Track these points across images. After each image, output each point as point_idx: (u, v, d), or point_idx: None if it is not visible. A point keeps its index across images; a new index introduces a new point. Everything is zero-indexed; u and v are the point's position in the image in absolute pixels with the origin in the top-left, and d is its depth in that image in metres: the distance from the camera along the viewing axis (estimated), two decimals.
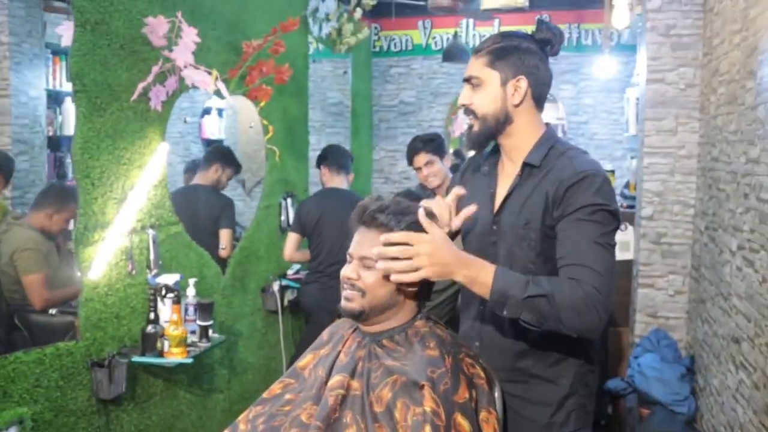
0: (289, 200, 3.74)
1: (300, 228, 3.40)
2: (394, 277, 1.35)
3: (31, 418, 1.89)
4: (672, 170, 3.56)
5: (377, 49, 5.93)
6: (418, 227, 1.39)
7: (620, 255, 3.88)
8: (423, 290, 1.48)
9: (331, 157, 3.56)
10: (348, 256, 1.47)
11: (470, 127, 1.61)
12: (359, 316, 1.44)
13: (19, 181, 3.20)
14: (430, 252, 1.34)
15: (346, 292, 1.45)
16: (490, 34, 1.64)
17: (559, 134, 5.52)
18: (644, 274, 3.64)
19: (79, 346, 2.10)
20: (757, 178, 2.38)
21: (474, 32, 5.73)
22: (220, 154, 3.69)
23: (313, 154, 3.96)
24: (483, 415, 1.38)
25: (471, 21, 5.71)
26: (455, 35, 5.27)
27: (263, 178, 3.61)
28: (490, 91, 1.56)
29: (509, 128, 1.58)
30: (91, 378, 2.13)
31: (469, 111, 1.60)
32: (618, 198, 4.40)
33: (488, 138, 1.60)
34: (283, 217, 3.70)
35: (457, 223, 1.55)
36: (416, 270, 1.34)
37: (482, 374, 1.44)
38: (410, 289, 1.45)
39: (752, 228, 2.42)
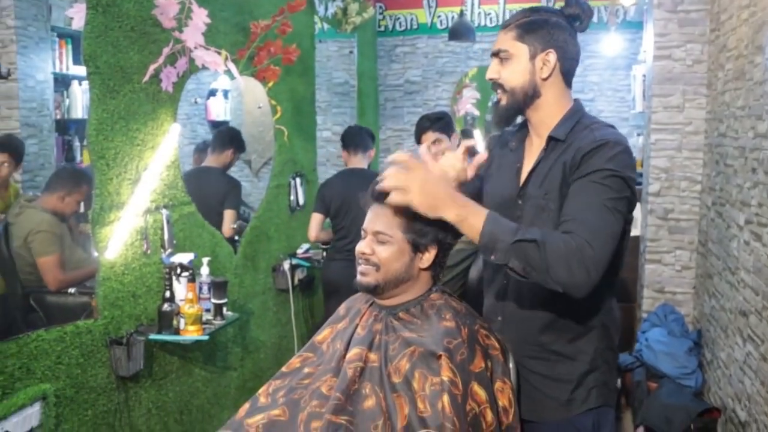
0: (298, 180, 3.76)
1: (324, 208, 3.48)
2: (388, 199, 1.38)
3: (53, 394, 1.94)
4: (679, 146, 3.57)
5: (382, 28, 5.90)
6: None
7: None
8: (436, 263, 1.50)
9: (347, 139, 3.62)
10: (363, 232, 1.50)
11: (497, 101, 1.61)
12: (374, 290, 1.48)
13: (28, 165, 3.23)
14: (423, 180, 1.36)
15: (361, 267, 1.48)
16: (520, 9, 1.63)
17: None
18: (651, 249, 3.67)
19: (97, 324, 2.14)
20: (765, 153, 2.40)
21: (479, 10, 5.70)
22: (234, 138, 3.70)
23: (320, 134, 3.98)
24: (498, 384, 1.42)
25: None
26: (461, 13, 5.25)
27: (272, 159, 3.63)
28: (518, 64, 1.55)
29: (537, 102, 1.58)
30: (110, 355, 2.17)
31: (497, 85, 1.59)
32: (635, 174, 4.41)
33: (516, 112, 1.60)
34: (292, 197, 3.72)
35: (471, 172, 1.56)
36: (405, 194, 1.35)
37: (497, 345, 1.47)
38: (423, 260, 1.47)
39: (760, 202, 2.44)
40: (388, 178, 1.37)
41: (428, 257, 1.48)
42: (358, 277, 1.49)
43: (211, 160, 3.58)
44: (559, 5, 1.69)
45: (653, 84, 3.61)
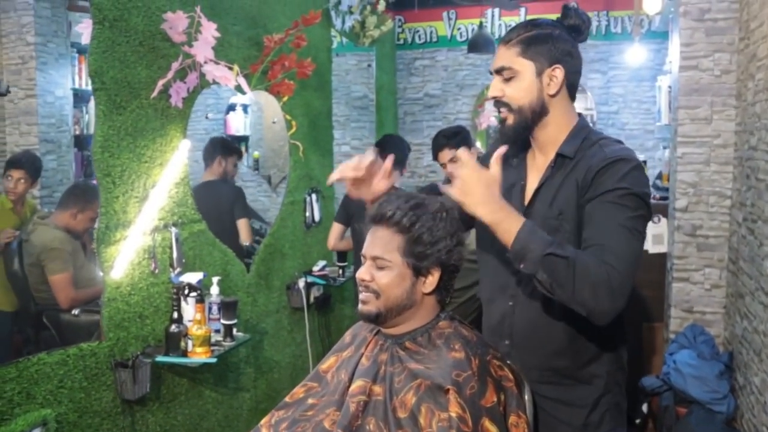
0: (313, 196, 3.70)
1: (345, 218, 3.42)
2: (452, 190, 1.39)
3: (55, 419, 1.88)
4: (707, 160, 3.45)
5: (401, 41, 5.85)
6: (428, 220, 1.38)
7: (654, 248, 3.78)
8: (440, 286, 1.42)
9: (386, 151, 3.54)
10: (362, 258, 1.42)
11: (503, 120, 1.55)
12: (377, 319, 1.40)
13: (46, 181, 3.21)
14: (466, 178, 1.36)
15: (361, 295, 1.41)
16: (517, 23, 1.57)
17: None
18: (679, 267, 3.54)
19: (102, 346, 2.09)
20: None
21: (500, 22, 5.63)
22: (216, 145, 3.73)
23: (338, 149, 3.92)
24: (512, 419, 1.33)
25: (496, 11, 5.60)
26: (480, 26, 5.18)
27: (287, 174, 3.58)
28: (524, 81, 1.50)
29: (545, 120, 1.52)
30: (115, 378, 2.11)
31: (501, 103, 1.53)
32: (650, 189, 4.29)
33: (524, 130, 1.54)
34: (308, 213, 3.66)
35: (495, 168, 1.47)
36: (467, 194, 1.36)
37: (511, 376, 1.38)
38: (426, 285, 1.41)
39: None
40: (454, 179, 1.39)
41: (431, 281, 1.40)
42: (360, 306, 1.41)
43: (207, 174, 3.60)
44: (554, 17, 1.62)
45: (679, 95, 3.49)
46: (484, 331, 1.65)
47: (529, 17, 5.47)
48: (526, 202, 1.55)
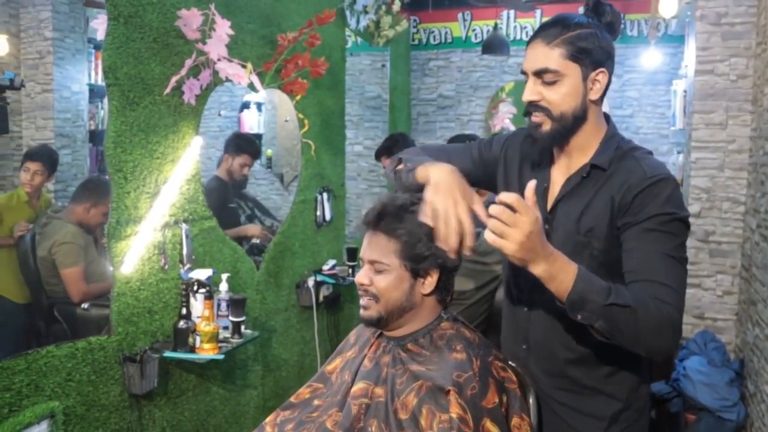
0: (325, 195, 3.70)
1: None
2: (486, 234, 1.20)
3: (62, 412, 1.89)
4: (721, 165, 3.42)
5: (416, 42, 5.85)
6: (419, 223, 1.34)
7: None
8: (440, 287, 1.41)
9: (396, 149, 3.57)
10: (360, 261, 1.42)
11: (537, 126, 1.42)
12: (378, 323, 1.40)
13: (61, 175, 3.25)
14: (529, 232, 1.17)
15: (362, 300, 1.41)
16: (551, 19, 1.43)
17: None
18: (691, 273, 3.51)
19: (111, 340, 2.10)
20: None
21: (515, 24, 5.61)
22: (229, 141, 3.77)
23: (351, 149, 3.92)
24: (515, 421, 1.32)
25: (512, 12, 5.59)
26: (495, 27, 5.16)
27: (299, 173, 3.58)
28: (570, 86, 1.38)
29: (582, 126, 1.42)
30: (123, 373, 2.12)
31: (537, 107, 1.41)
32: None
33: (562, 138, 1.43)
34: (318, 212, 3.67)
35: (535, 209, 1.30)
36: (505, 239, 1.18)
37: (514, 378, 1.37)
38: (425, 286, 1.39)
39: None
40: (494, 222, 1.19)
41: (430, 282, 1.38)
42: (361, 312, 1.42)
43: (218, 170, 3.69)
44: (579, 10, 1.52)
45: (694, 100, 3.47)
46: (503, 334, 1.62)
47: (544, 20, 5.45)
48: (549, 206, 1.47)
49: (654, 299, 1.26)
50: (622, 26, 5.26)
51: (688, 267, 3.52)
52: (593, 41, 1.38)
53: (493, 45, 4.96)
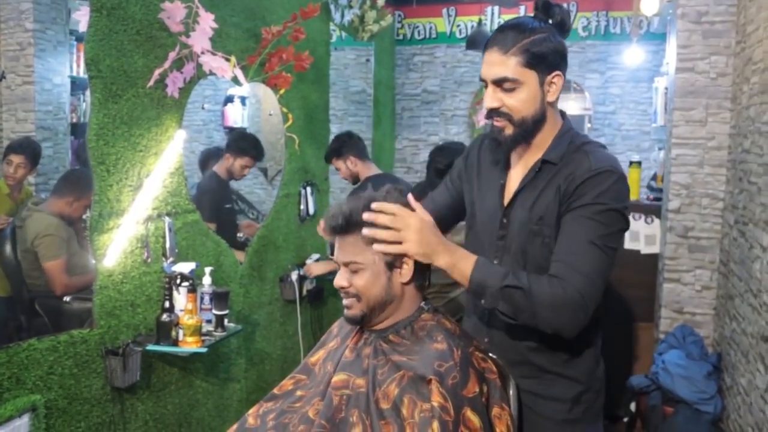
0: (308, 189, 3.70)
1: None
2: (377, 246, 1.33)
3: (44, 405, 1.89)
4: (701, 162, 3.46)
5: (401, 37, 5.86)
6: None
7: (646, 248, 3.80)
8: (416, 273, 1.42)
9: (358, 145, 3.57)
10: (336, 264, 1.44)
11: (500, 130, 1.48)
12: (362, 320, 1.42)
13: (42, 168, 3.22)
14: (420, 228, 1.34)
15: (344, 301, 1.43)
16: (503, 25, 1.49)
17: (586, 125, 5.43)
18: (670, 268, 3.56)
19: (93, 333, 2.09)
20: None
21: (499, 20, 5.63)
22: (232, 140, 3.71)
23: None
24: (495, 411, 1.34)
25: (496, 8, 5.61)
26: (479, 23, 5.18)
27: (283, 167, 3.58)
28: (528, 92, 1.44)
29: (541, 127, 1.49)
30: (105, 366, 2.12)
31: (498, 114, 1.47)
32: (644, 190, 4.30)
33: (524, 140, 1.50)
34: (302, 206, 3.67)
35: (422, 210, 1.44)
36: (401, 243, 1.33)
37: (494, 369, 1.39)
38: (402, 275, 1.41)
39: None
40: (386, 233, 1.34)
41: (407, 270, 1.41)
42: (345, 312, 1.44)
43: (216, 166, 3.64)
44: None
45: (675, 97, 3.50)
46: (466, 327, 1.66)
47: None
48: (506, 202, 1.54)
49: (552, 278, 1.35)
50: (604, 26, 5.34)
51: (668, 262, 3.56)
52: (547, 45, 1.43)
53: (477, 41, 4.97)
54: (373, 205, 1.34)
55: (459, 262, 1.38)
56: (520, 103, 1.45)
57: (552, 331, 1.37)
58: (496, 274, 1.37)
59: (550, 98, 1.47)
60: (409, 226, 1.33)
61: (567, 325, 1.36)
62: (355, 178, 3.58)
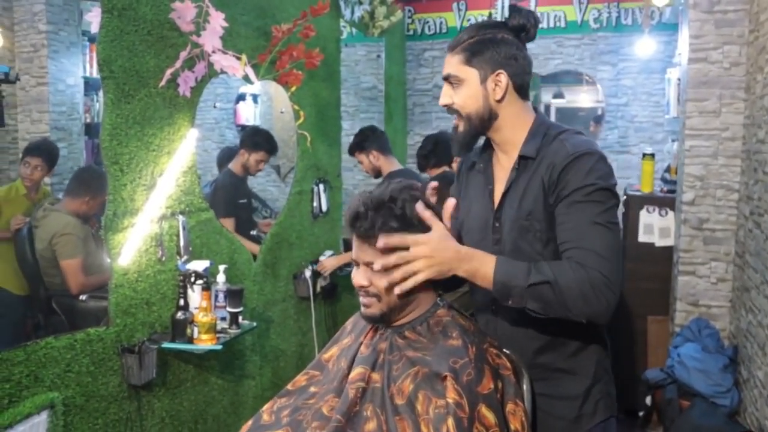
0: (321, 186, 3.71)
1: None
2: (396, 289, 1.32)
3: (62, 402, 1.91)
4: (715, 153, 3.44)
5: (411, 32, 5.84)
6: (400, 220, 1.35)
7: (660, 241, 3.78)
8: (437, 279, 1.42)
9: (381, 140, 3.58)
10: (354, 262, 1.44)
11: (455, 127, 1.57)
12: (381, 320, 1.42)
13: (58, 168, 3.26)
14: (429, 253, 1.32)
15: (362, 299, 1.42)
16: (465, 28, 1.58)
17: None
18: (685, 261, 3.53)
19: (109, 332, 2.11)
20: None
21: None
22: (246, 135, 3.72)
23: (346, 140, 3.93)
24: (510, 407, 1.34)
25: (506, 1, 5.57)
26: (490, 16, 5.15)
27: (295, 164, 3.59)
28: (470, 89, 1.52)
29: (496, 124, 1.54)
30: (122, 364, 2.14)
31: (452, 111, 1.56)
32: (658, 182, 4.27)
33: (475, 137, 1.57)
34: (315, 203, 3.68)
35: (439, 224, 1.42)
36: (416, 274, 1.32)
37: (508, 365, 1.39)
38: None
39: None
40: (398, 273, 1.32)
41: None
42: (362, 310, 1.43)
43: (231, 163, 3.64)
44: (565, 8, 1.61)
45: (688, 88, 3.48)
46: None
47: (539, 9, 5.45)
48: (495, 206, 1.56)
49: (573, 265, 1.35)
50: (615, 18, 5.30)
51: (682, 254, 3.54)
52: (490, 46, 1.50)
53: None
54: (378, 245, 1.32)
55: (479, 269, 1.36)
56: (462, 99, 1.53)
57: (586, 319, 1.35)
58: (520, 273, 1.35)
59: (495, 96, 1.51)
60: (418, 256, 1.32)
61: (599, 310, 1.34)
62: (377, 173, 3.57)
